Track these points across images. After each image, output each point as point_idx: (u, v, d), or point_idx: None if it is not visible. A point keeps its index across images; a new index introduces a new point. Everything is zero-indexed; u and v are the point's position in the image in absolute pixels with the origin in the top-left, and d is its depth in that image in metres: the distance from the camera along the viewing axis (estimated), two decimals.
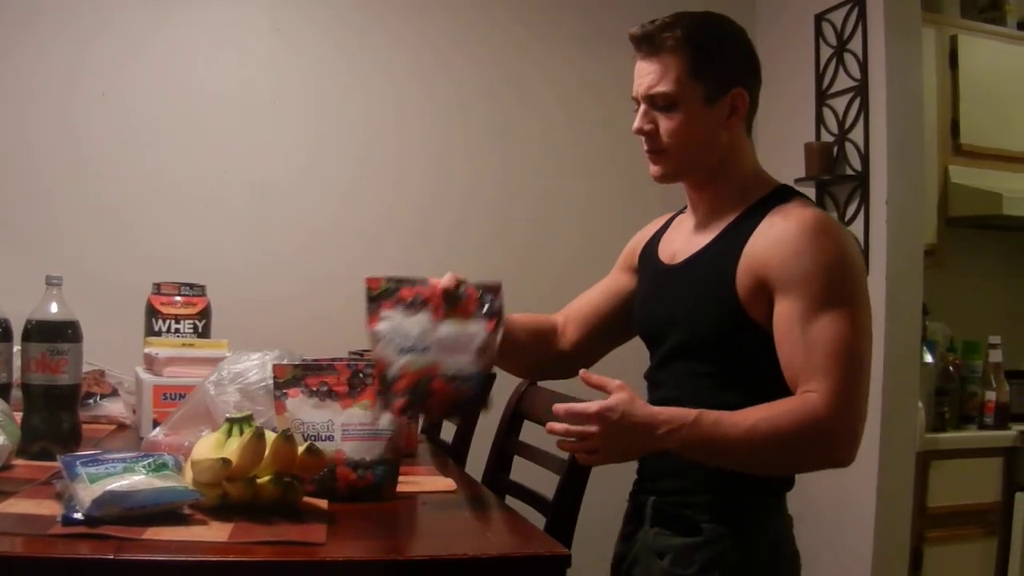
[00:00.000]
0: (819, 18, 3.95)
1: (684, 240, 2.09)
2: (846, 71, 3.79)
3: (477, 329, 1.90)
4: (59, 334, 2.10)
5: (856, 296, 1.83)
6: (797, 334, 1.81)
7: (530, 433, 2.43)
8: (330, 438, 1.88)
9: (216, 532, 1.52)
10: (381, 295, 1.89)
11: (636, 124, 1.99)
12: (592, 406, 1.74)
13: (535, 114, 4.21)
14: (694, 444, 1.77)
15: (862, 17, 3.71)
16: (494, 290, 1.96)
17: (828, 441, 1.76)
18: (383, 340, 1.86)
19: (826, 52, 3.91)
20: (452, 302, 1.91)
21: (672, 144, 1.96)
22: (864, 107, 3.68)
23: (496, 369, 2.03)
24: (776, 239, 1.86)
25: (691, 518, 1.92)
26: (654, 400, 1.97)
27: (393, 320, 1.87)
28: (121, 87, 3.79)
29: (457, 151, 4.14)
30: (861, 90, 3.69)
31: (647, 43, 1.96)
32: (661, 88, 1.93)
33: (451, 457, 2.66)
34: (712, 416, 1.76)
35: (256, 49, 3.95)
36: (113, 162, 3.77)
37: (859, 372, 1.79)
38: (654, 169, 2.02)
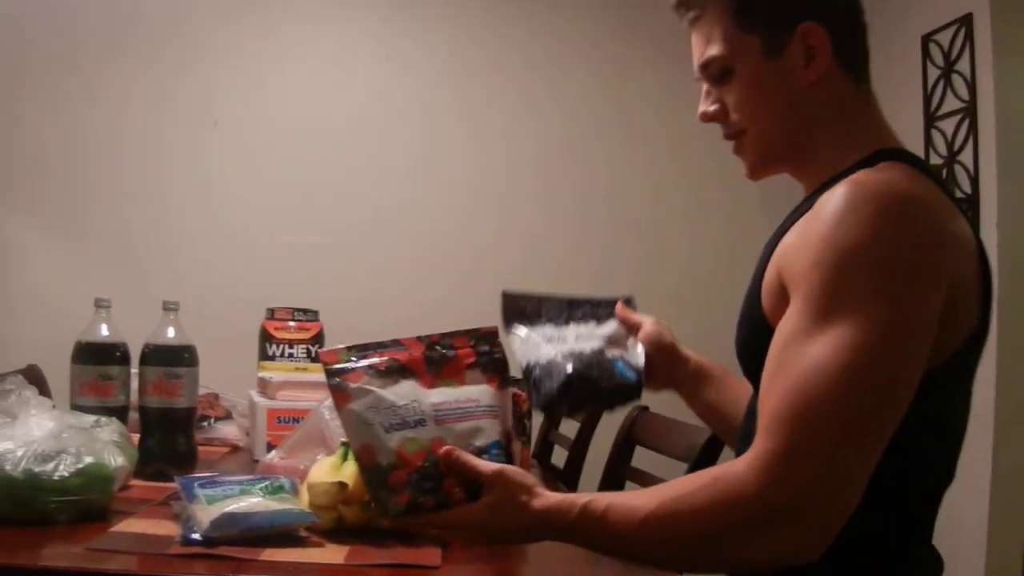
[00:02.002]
0: (926, 39, 3.90)
1: None
2: (954, 92, 3.73)
3: (479, 391, 1.51)
4: (176, 358, 2.14)
5: (878, 299, 1.26)
6: (773, 360, 1.32)
7: (643, 459, 2.42)
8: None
9: (332, 554, 1.53)
10: (343, 370, 1.46)
11: (700, 108, 1.62)
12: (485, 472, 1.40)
13: (641, 138, 4.24)
14: (586, 544, 1.38)
15: (969, 38, 3.66)
16: (489, 338, 1.57)
17: (760, 526, 1.23)
18: (358, 422, 1.43)
19: (933, 73, 3.85)
20: (438, 363, 1.51)
21: (743, 120, 1.55)
22: (973, 129, 3.62)
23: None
24: (807, 221, 1.38)
25: None
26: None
27: (368, 395, 1.44)
28: (233, 115, 3.89)
29: (565, 175, 4.17)
30: (969, 111, 3.63)
31: (684, 5, 1.59)
32: (710, 53, 1.54)
33: (562, 482, 2.66)
34: (602, 504, 1.33)
35: (368, 78, 4.02)
36: (227, 189, 3.87)
37: (831, 424, 1.22)
38: (745, 167, 1.62)
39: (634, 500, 1.32)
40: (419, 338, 1.51)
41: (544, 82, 4.17)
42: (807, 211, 1.40)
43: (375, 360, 1.47)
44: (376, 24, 4.10)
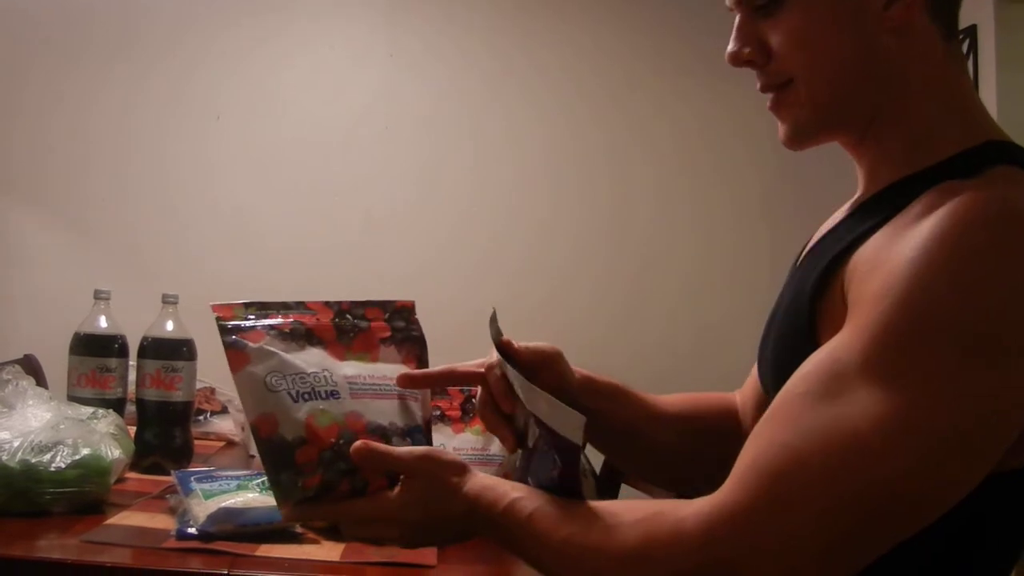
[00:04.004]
0: None
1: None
2: None
3: (395, 370, 1.29)
4: (174, 352, 2.13)
5: (953, 378, 0.94)
6: (784, 400, 1.03)
7: None
8: None
9: (328, 551, 1.53)
10: (240, 327, 1.22)
11: (731, 47, 1.22)
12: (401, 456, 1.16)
13: (646, 143, 4.20)
14: (504, 544, 1.15)
15: (973, 48, 3.66)
16: (405, 313, 1.36)
17: None
18: (259, 388, 1.18)
19: None
20: (349, 333, 1.29)
21: (792, 64, 1.17)
22: None
23: None
24: (896, 233, 1.04)
25: None
26: None
27: (272, 358, 1.20)
28: (236, 110, 3.88)
29: (570, 178, 4.14)
30: None
31: None
32: None
33: None
34: (530, 506, 1.11)
35: (370, 76, 4.01)
36: (229, 184, 3.86)
37: (818, 506, 0.95)
38: (782, 129, 1.24)
39: (564, 511, 1.10)
40: (327, 303, 1.30)
41: (550, 82, 4.15)
42: (891, 211, 1.09)
43: (277, 321, 1.24)
44: (379, 20, 4.09)
